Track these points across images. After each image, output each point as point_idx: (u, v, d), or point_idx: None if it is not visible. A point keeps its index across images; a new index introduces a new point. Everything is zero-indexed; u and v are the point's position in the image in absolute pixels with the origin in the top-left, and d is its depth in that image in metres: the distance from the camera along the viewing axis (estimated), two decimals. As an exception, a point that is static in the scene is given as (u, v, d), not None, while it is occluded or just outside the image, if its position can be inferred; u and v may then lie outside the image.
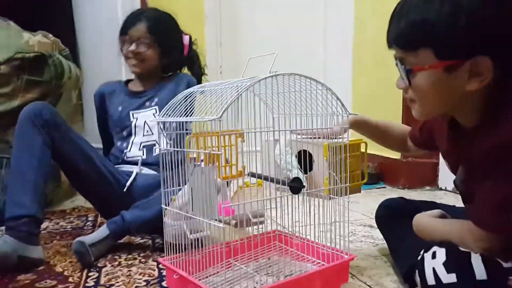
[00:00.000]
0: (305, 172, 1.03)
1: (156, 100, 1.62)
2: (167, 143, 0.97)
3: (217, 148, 0.83)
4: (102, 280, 1.10)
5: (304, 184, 0.95)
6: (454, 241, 0.86)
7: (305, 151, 1.03)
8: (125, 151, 1.59)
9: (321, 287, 0.92)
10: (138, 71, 1.64)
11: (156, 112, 1.61)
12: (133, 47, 1.60)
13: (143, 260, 1.24)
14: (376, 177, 2.32)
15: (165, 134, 0.94)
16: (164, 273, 1.10)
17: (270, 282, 0.91)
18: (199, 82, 1.73)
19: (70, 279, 1.12)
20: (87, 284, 1.08)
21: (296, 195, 0.95)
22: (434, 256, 0.83)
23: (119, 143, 1.63)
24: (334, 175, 0.97)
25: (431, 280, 0.82)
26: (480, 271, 0.77)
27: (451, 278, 0.79)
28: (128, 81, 1.75)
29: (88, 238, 1.22)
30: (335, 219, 0.97)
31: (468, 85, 0.78)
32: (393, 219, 1.19)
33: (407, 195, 2.00)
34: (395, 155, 2.27)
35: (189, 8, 2.41)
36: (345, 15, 2.61)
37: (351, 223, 1.57)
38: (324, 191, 0.98)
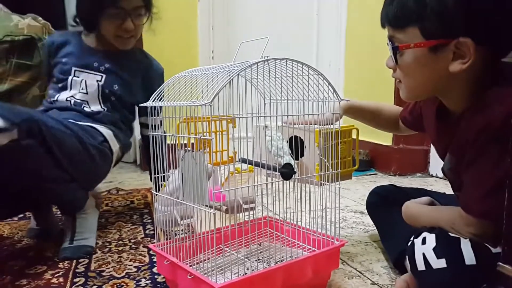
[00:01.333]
0: (296, 158, 1.03)
1: (106, 66, 1.45)
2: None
3: (208, 134, 0.82)
4: (93, 266, 1.10)
5: (295, 170, 0.94)
6: (444, 227, 0.87)
7: (296, 137, 1.03)
8: (52, 99, 1.45)
9: (312, 273, 0.92)
10: (129, 47, 1.48)
11: (100, 81, 1.44)
12: (130, 24, 1.39)
13: (133, 246, 1.24)
14: (367, 163, 2.33)
15: (153, 119, 0.92)
16: (155, 259, 1.10)
17: (261, 268, 0.91)
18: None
19: (60, 265, 1.11)
20: (77, 270, 1.08)
21: (287, 181, 0.94)
22: (424, 241, 0.84)
23: (50, 91, 1.50)
24: (325, 161, 0.96)
25: (421, 266, 0.82)
26: (469, 256, 0.78)
27: (441, 263, 0.79)
28: (81, 32, 1.53)
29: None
30: (325, 206, 0.97)
31: (451, 66, 0.79)
32: (384, 206, 1.19)
33: (398, 182, 2.02)
34: (387, 141, 2.27)
35: (182, -8, 2.38)
36: (337, 10, 2.60)
37: (342, 209, 1.59)
38: (315, 178, 0.98)
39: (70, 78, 1.44)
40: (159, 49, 2.30)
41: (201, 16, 2.40)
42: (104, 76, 1.45)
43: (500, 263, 0.72)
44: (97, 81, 1.44)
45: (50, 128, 1.07)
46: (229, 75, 0.74)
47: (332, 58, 2.69)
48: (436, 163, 2.19)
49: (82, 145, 1.20)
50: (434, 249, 0.81)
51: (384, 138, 2.27)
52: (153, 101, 0.88)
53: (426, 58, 0.81)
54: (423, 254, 0.82)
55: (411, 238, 0.89)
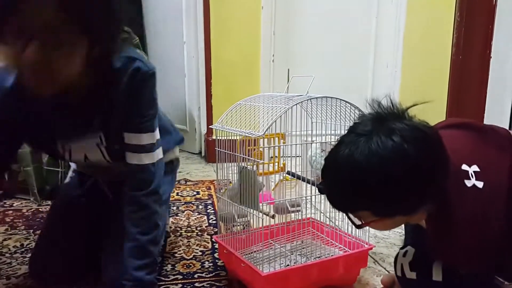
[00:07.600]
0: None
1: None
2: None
3: (261, 152, 1.03)
4: (167, 248, 1.36)
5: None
6: None
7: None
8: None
9: (344, 270, 1.11)
10: None
11: (101, 142, 1.01)
12: None
13: (199, 233, 1.49)
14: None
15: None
16: (216, 246, 1.34)
17: (302, 261, 1.11)
18: None
19: (142, 245, 1.38)
20: (155, 251, 1.34)
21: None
22: (405, 254, 0.95)
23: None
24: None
25: (399, 272, 0.95)
26: (437, 273, 0.88)
27: (413, 275, 0.92)
28: None
29: None
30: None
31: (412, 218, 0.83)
32: None
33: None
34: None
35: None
36: (396, 14, 2.70)
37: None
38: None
39: (66, 156, 1.05)
40: (225, 53, 2.55)
41: (264, 23, 2.59)
42: (101, 133, 1.00)
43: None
44: (97, 144, 1.01)
45: None
46: (279, 111, 0.94)
47: (390, 59, 2.78)
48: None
49: None
50: (409, 263, 0.92)
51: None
52: (218, 124, 1.10)
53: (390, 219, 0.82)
54: (401, 264, 0.95)
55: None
